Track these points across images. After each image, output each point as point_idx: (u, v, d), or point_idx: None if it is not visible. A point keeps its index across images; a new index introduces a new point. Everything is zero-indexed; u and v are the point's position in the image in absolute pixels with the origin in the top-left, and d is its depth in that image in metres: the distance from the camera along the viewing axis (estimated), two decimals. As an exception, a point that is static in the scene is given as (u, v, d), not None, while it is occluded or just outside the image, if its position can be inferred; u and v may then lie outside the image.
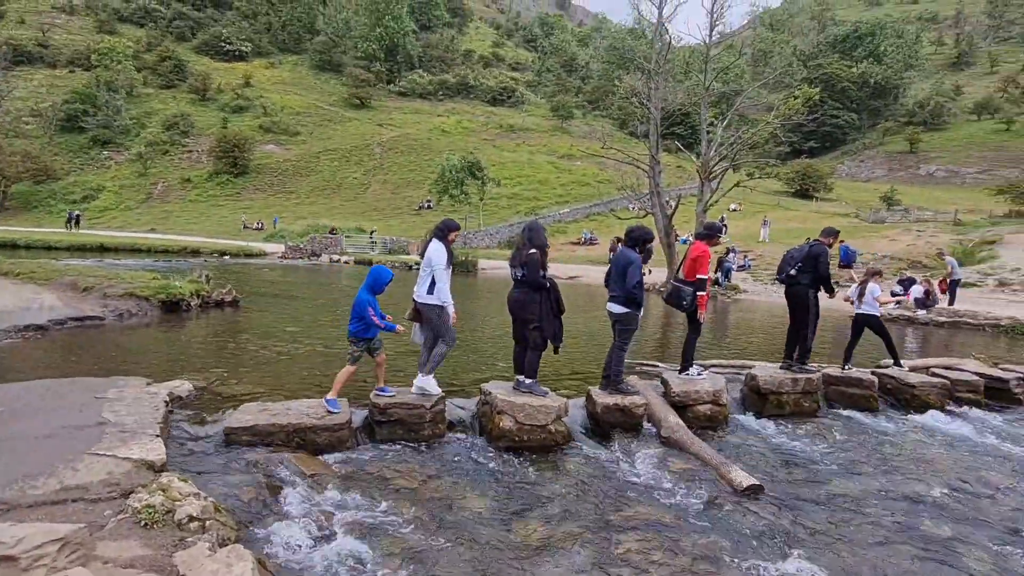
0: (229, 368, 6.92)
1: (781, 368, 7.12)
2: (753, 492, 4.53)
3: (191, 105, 72.29)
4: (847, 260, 24.78)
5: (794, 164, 61.92)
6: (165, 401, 4.90)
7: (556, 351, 5.85)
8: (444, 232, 5.52)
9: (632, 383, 6.35)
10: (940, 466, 5.35)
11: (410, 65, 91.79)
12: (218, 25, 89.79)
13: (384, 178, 60.52)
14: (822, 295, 7.17)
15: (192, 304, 11.50)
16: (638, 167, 25.82)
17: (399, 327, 5.31)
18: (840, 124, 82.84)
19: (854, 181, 71.53)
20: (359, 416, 5.26)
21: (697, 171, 25.61)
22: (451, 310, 5.44)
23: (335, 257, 35.96)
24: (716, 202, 25.53)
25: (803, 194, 57.38)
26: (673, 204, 25.33)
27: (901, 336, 14.18)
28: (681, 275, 6.75)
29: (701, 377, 6.62)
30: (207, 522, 3.12)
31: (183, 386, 5.56)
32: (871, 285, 8.07)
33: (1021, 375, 8.06)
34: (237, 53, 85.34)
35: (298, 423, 4.64)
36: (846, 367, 7.63)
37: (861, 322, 8.09)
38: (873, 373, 7.47)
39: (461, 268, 31.26)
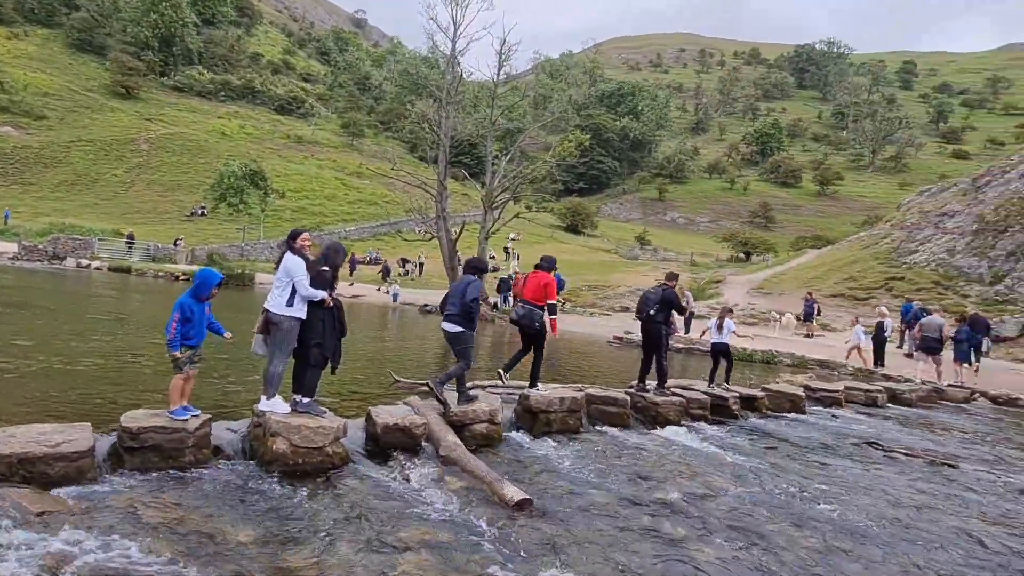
0: (-74, 391, 5.66)
1: (628, 392, 8.41)
2: (523, 506, 4.80)
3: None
4: (560, 288, 27.55)
5: (566, 201, 67.81)
6: None
7: (333, 371, 5.75)
8: (292, 239, 5.41)
9: (412, 403, 6.41)
10: (677, 474, 6.16)
11: (188, 60, 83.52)
12: (-57, -17, 73.69)
13: (151, 178, 54.00)
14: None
15: None
16: (426, 191, 26.31)
17: (178, 353, 4.87)
18: (604, 169, 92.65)
19: (615, 221, 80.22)
20: (106, 443, 4.59)
21: (481, 200, 26.80)
22: (324, 295, 5.34)
23: (84, 262, 31.16)
24: (497, 231, 26.92)
25: (573, 229, 62.93)
26: (457, 230, 26.17)
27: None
28: (525, 297, 7.55)
29: (545, 392, 7.33)
30: None
31: None
32: (727, 321, 9.91)
33: (737, 394, 9.64)
34: (-32, 17, 70.71)
35: (24, 453, 3.90)
36: (711, 386, 9.59)
37: (717, 351, 9.81)
38: (626, 393, 8.38)
39: (237, 281, 28.98)
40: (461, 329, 6.45)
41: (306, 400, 5.48)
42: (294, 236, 5.44)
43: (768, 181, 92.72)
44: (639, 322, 8.86)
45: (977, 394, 14.33)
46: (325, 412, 5.54)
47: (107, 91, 69.49)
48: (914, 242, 29.11)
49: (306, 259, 5.33)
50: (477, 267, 7.15)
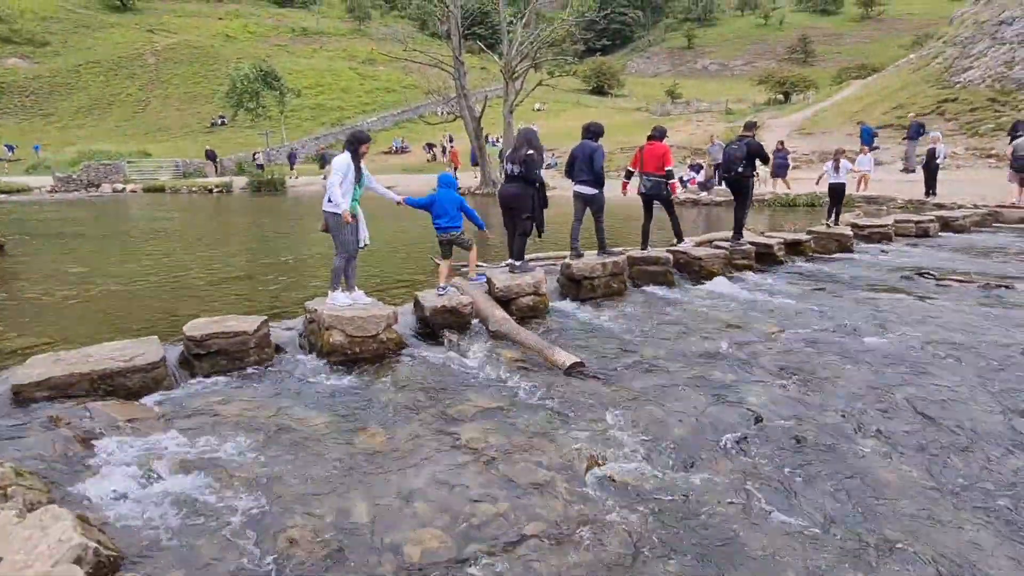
0: (3, 321, 6.01)
1: (668, 249, 8.56)
2: (575, 369, 4.97)
3: None
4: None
5: (589, 62, 64.35)
6: (-78, 368, 4.16)
7: (540, 236, 7.12)
8: (352, 144, 5.42)
9: (456, 283, 6.53)
10: (724, 324, 6.23)
11: (175, -42, 79.18)
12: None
13: (165, 93, 53.14)
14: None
15: (-60, 255, 9.73)
16: (443, 69, 25.29)
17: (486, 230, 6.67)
18: (627, 22, 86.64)
19: (642, 77, 76.14)
20: (174, 352, 4.87)
21: (501, 71, 25.65)
22: (341, 209, 5.31)
23: (119, 186, 31.89)
24: (521, 102, 25.93)
25: (599, 91, 60.22)
26: (479, 107, 25.35)
27: (688, 215, 15.83)
28: (647, 171, 8.13)
29: (688, 246, 8.46)
30: (9, 488, 2.79)
31: (-57, 349, 4.76)
32: (843, 161, 10.78)
33: (781, 240, 9.49)
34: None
35: (103, 369, 4.17)
36: (828, 222, 10.48)
37: (836, 190, 10.80)
38: (668, 251, 8.34)
39: (269, 188, 29.18)
40: (596, 191, 7.44)
41: (519, 263, 6.88)
42: (356, 140, 5.42)
43: (806, 11, 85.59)
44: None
45: (1035, 213, 13.79)
46: (534, 268, 6.95)
47: (102, 5, 67.01)
48: (968, 58, 26.92)
49: (356, 162, 5.37)
50: (596, 132, 7.52)
